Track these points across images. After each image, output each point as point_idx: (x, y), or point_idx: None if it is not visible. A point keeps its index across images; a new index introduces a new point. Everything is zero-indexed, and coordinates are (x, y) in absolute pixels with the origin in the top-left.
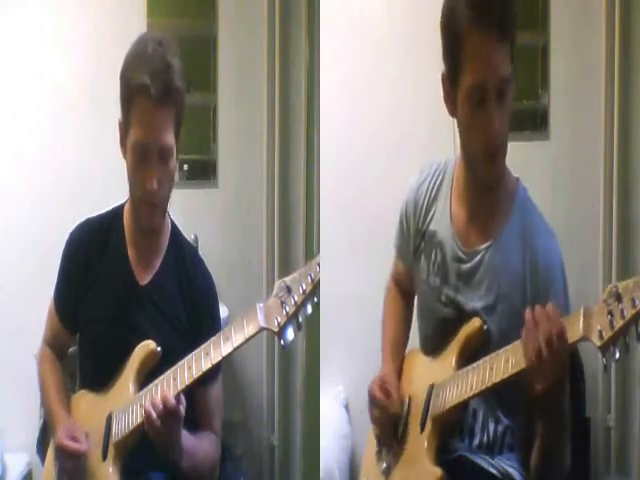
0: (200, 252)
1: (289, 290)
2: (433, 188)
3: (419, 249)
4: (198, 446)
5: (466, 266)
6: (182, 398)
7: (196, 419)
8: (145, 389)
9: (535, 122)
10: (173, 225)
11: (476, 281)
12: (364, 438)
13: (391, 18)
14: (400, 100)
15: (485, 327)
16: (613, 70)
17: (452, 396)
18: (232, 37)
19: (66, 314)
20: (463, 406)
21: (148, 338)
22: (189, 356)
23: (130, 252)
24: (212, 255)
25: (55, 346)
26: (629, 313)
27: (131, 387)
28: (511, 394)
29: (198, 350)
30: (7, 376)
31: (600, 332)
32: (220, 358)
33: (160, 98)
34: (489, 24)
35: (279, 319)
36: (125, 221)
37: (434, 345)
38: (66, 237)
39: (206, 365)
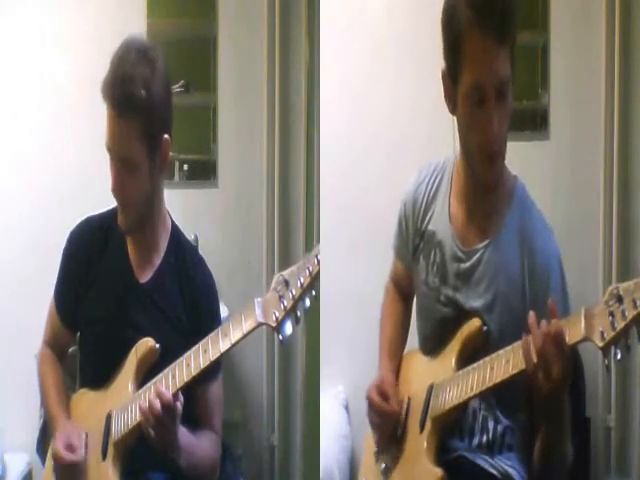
0: (200, 252)
1: (287, 284)
2: (432, 188)
3: (418, 249)
4: (197, 445)
5: (465, 265)
6: (179, 395)
7: (196, 418)
8: (144, 387)
9: (535, 122)
10: (173, 224)
11: (475, 280)
12: (364, 438)
13: (391, 18)
14: (400, 100)
15: (485, 327)
16: (613, 70)
17: (452, 396)
18: (232, 37)
19: (66, 313)
20: (463, 406)
21: (148, 336)
22: (187, 353)
23: (130, 250)
24: (212, 255)
25: (55, 346)
26: (630, 314)
27: (130, 386)
28: (511, 394)
29: (196, 347)
30: (7, 376)
31: (602, 333)
32: (219, 354)
33: (119, 108)
34: (489, 25)
35: (277, 314)
36: None
37: (433, 345)
38: (66, 237)
39: (205, 362)
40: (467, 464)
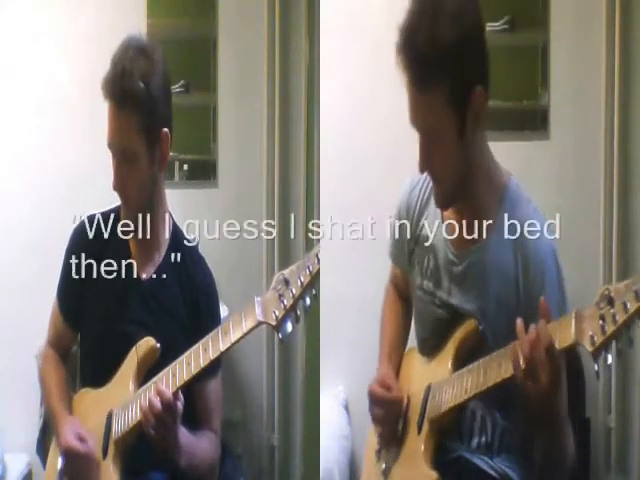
0: (200, 251)
1: (287, 283)
2: (425, 192)
3: (413, 254)
4: (197, 445)
5: (458, 268)
6: (180, 394)
7: (196, 417)
8: (144, 386)
9: (535, 122)
10: (173, 223)
11: (468, 283)
12: (364, 439)
13: (391, 18)
14: (400, 100)
15: (480, 328)
16: (613, 70)
17: (448, 398)
18: (232, 37)
19: (69, 311)
20: (460, 408)
21: (149, 334)
22: (187, 352)
23: (132, 247)
24: (212, 255)
25: (58, 346)
26: (621, 318)
27: (131, 385)
28: (509, 395)
29: (196, 346)
30: (7, 376)
31: (592, 337)
32: (219, 353)
33: (119, 102)
34: (409, 76)
35: (277, 312)
36: None
37: (431, 346)
38: (66, 237)
39: (205, 361)
40: (466, 465)
